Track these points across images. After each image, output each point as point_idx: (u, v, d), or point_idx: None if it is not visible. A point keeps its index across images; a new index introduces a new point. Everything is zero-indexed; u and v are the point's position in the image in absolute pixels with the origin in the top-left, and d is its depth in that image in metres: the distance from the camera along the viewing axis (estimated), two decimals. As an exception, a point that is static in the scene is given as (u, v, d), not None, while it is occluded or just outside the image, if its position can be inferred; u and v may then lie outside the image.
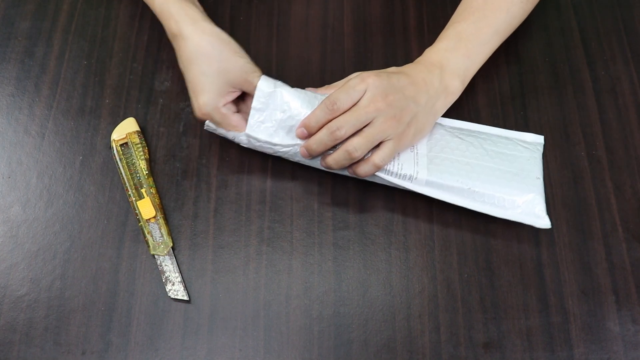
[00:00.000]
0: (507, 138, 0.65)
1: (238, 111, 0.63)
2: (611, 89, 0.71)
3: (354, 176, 0.61)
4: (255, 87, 0.60)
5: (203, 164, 0.66)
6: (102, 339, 0.58)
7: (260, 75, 0.60)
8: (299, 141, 0.60)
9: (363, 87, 0.57)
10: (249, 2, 0.75)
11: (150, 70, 0.71)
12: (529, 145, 0.65)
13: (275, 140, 0.61)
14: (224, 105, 0.60)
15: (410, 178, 0.60)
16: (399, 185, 0.61)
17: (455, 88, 0.63)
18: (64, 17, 0.74)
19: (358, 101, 0.57)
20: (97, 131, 0.68)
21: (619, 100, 0.70)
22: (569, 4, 0.75)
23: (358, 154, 0.57)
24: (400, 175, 0.60)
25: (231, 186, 0.65)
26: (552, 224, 0.63)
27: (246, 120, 0.61)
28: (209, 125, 0.62)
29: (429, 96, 0.60)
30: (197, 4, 0.64)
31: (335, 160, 0.59)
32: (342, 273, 0.61)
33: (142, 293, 0.60)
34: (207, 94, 0.59)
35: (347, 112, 0.57)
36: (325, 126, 0.58)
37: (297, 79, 0.71)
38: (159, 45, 0.73)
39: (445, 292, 0.60)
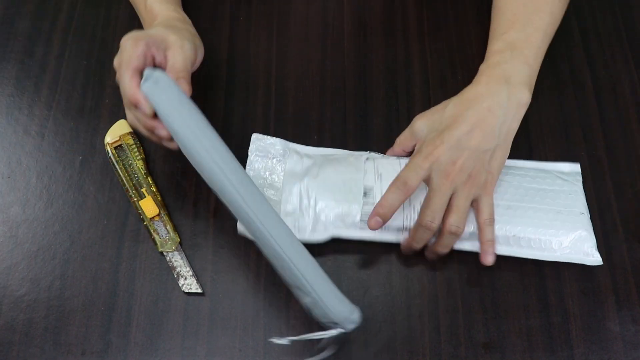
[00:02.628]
0: (544, 171, 0.63)
1: None
2: (611, 89, 0.71)
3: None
4: (167, 60, 0.57)
5: (203, 164, 0.66)
6: (102, 339, 0.58)
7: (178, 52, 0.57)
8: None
9: (428, 165, 0.56)
10: (249, 2, 0.75)
11: (150, 70, 0.71)
12: (567, 177, 0.63)
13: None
14: (137, 56, 0.55)
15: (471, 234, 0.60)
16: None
17: (526, 99, 0.59)
18: (64, 17, 0.74)
19: (427, 178, 0.57)
20: (96, 131, 0.68)
21: (619, 100, 0.70)
22: (569, 4, 0.75)
23: (461, 230, 0.57)
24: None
25: (231, 186, 0.65)
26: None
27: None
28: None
29: (500, 124, 0.57)
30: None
31: (443, 245, 0.59)
32: (342, 273, 0.61)
33: (142, 293, 0.60)
34: (134, 33, 0.56)
35: (427, 203, 0.57)
36: (417, 224, 0.58)
37: (297, 79, 0.71)
38: (158, 45, 0.72)
39: (445, 292, 0.60)
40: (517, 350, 0.58)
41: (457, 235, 0.57)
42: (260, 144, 0.64)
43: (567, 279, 0.61)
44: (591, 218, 0.63)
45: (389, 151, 0.65)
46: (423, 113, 0.62)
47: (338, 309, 0.52)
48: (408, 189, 0.57)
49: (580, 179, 0.64)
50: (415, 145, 0.61)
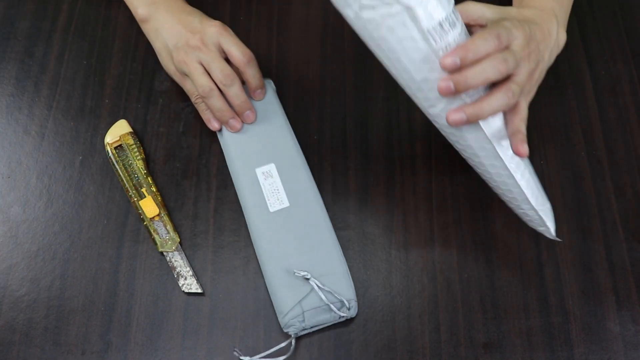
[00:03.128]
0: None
1: None
2: (611, 89, 0.70)
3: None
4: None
5: (203, 164, 0.66)
6: (102, 339, 0.58)
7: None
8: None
9: (517, 33, 0.52)
10: (249, 2, 0.75)
11: (150, 70, 0.71)
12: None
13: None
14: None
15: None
16: (493, 153, 0.55)
17: (564, 41, 0.60)
18: (64, 17, 0.74)
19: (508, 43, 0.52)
20: (97, 131, 0.68)
21: (619, 100, 0.70)
22: (569, 3, 0.75)
23: (515, 99, 0.52)
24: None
25: (231, 186, 0.65)
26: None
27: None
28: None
29: (551, 49, 0.58)
30: None
31: (493, 103, 0.51)
32: (342, 273, 0.61)
33: (142, 293, 0.60)
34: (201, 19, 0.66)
35: (506, 51, 0.51)
36: (491, 57, 0.50)
37: (297, 79, 0.71)
38: (158, 45, 0.72)
39: (445, 292, 0.60)
40: (517, 350, 0.58)
41: (510, 100, 0.52)
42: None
43: (567, 279, 0.61)
44: (591, 218, 0.63)
45: None
46: (477, 2, 0.55)
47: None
48: (500, 42, 0.51)
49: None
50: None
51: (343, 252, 0.61)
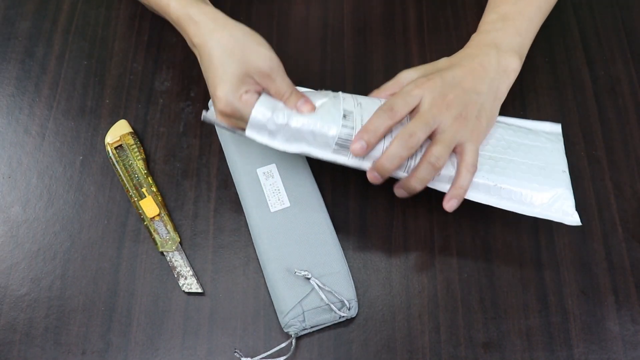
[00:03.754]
0: (526, 128, 0.63)
1: None
2: (611, 89, 0.71)
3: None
4: (277, 85, 0.56)
5: (203, 164, 0.66)
6: (102, 338, 0.58)
7: (282, 75, 0.56)
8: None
9: (419, 92, 0.55)
10: (249, 2, 0.75)
11: (150, 70, 0.71)
12: (549, 136, 0.63)
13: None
14: (246, 92, 0.55)
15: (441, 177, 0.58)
16: (432, 186, 0.59)
17: (515, 65, 0.60)
18: (64, 17, 0.75)
19: (417, 107, 0.55)
20: (97, 131, 0.68)
21: (618, 100, 0.70)
22: (569, 4, 0.75)
23: (441, 163, 0.55)
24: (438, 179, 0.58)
25: (231, 186, 0.65)
26: (551, 224, 0.63)
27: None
28: (206, 116, 0.57)
29: (490, 80, 0.58)
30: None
31: (418, 178, 0.56)
32: (342, 273, 0.61)
33: (142, 293, 0.60)
34: (226, 85, 0.54)
35: (413, 119, 0.55)
36: (396, 138, 0.54)
37: (297, 79, 0.71)
38: (159, 45, 0.73)
39: (445, 292, 0.60)
40: (516, 350, 0.58)
41: (436, 170, 0.55)
42: None
43: (567, 279, 0.61)
44: (591, 218, 0.63)
45: (371, 94, 0.61)
46: (410, 68, 0.61)
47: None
48: (394, 114, 0.54)
49: (562, 138, 0.63)
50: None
51: (343, 252, 0.61)
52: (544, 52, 0.72)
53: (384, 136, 0.55)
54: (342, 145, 0.55)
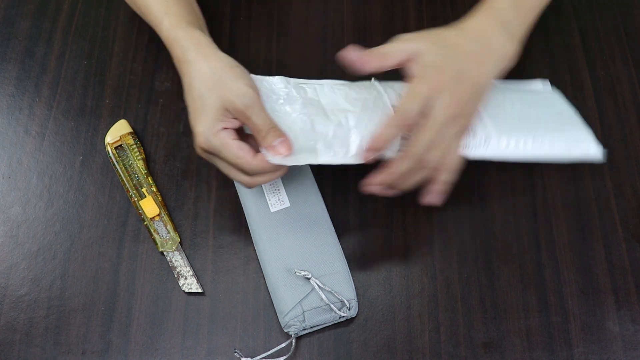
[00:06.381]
0: (524, 91, 0.65)
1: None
2: (611, 89, 0.71)
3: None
4: (253, 122, 0.54)
5: (203, 164, 0.66)
6: (102, 339, 0.58)
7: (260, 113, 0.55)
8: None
9: (430, 93, 0.53)
10: (249, 2, 0.75)
11: (150, 70, 0.71)
12: (546, 92, 0.65)
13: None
14: (224, 129, 0.54)
15: (486, 141, 0.58)
16: (474, 157, 0.58)
17: (515, 52, 0.57)
18: (65, 17, 0.75)
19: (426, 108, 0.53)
20: (97, 131, 0.68)
21: (618, 100, 0.70)
22: (569, 4, 0.75)
23: (442, 167, 0.55)
24: (474, 145, 0.58)
25: (231, 186, 0.65)
26: (551, 224, 0.63)
27: (251, 147, 0.54)
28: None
29: (492, 66, 0.56)
30: (206, 31, 0.62)
31: (412, 183, 0.56)
32: (342, 273, 0.61)
33: (142, 293, 0.60)
34: (204, 120, 0.54)
35: (424, 131, 0.53)
36: (406, 156, 0.54)
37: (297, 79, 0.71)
38: (159, 45, 0.72)
39: (445, 292, 0.60)
40: (516, 350, 0.58)
41: (436, 170, 0.55)
42: (262, 85, 0.59)
43: (566, 279, 0.61)
44: (591, 218, 0.64)
45: (362, 56, 0.57)
46: (413, 35, 0.57)
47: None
48: (406, 119, 0.53)
49: (557, 90, 0.65)
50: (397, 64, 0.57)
51: (343, 252, 0.61)
52: (543, 52, 0.72)
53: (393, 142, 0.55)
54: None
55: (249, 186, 0.56)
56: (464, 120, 0.55)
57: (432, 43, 0.55)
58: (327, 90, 0.60)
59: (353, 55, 0.56)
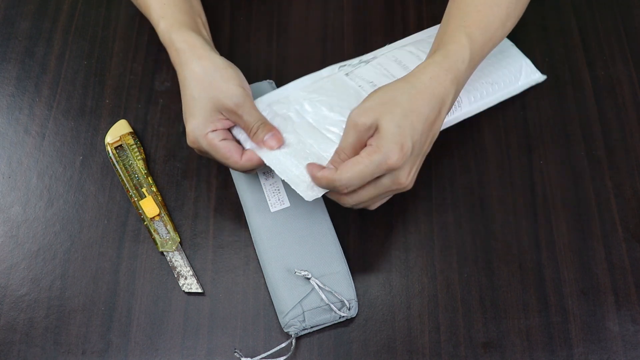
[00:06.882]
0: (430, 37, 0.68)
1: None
2: (611, 89, 0.71)
3: None
4: (244, 120, 0.56)
5: (203, 164, 0.66)
6: (102, 338, 0.58)
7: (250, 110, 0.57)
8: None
9: (385, 169, 0.52)
10: (249, 2, 0.76)
11: (150, 70, 0.71)
12: None
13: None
14: (213, 131, 0.56)
15: (459, 105, 0.65)
16: (451, 122, 0.64)
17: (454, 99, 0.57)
18: (65, 17, 0.75)
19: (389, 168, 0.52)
20: (97, 131, 0.68)
21: (618, 100, 0.70)
22: (569, 4, 0.75)
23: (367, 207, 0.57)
24: (450, 113, 0.64)
25: (231, 186, 0.65)
26: (551, 224, 0.63)
27: (238, 149, 0.57)
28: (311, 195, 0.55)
29: (443, 116, 0.56)
30: (203, 32, 0.62)
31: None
32: (342, 273, 0.61)
33: (142, 293, 0.60)
34: (194, 121, 0.56)
35: (382, 192, 0.54)
36: (339, 195, 0.54)
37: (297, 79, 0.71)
38: (159, 45, 0.72)
39: (445, 292, 0.60)
40: (516, 350, 0.58)
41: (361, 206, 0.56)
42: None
43: (566, 279, 0.61)
44: (591, 218, 0.64)
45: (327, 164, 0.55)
46: (368, 105, 0.53)
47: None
48: (359, 182, 0.52)
49: None
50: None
51: (343, 252, 0.61)
52: (544, 52, 0.72)
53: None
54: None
55: (246, 173, 0.61)
56: (420, 161, 0.56)
57: (387, 113, 0.52)
58: (309, 106, 0.60)
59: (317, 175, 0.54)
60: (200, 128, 0.56)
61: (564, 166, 0.66)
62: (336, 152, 0.54)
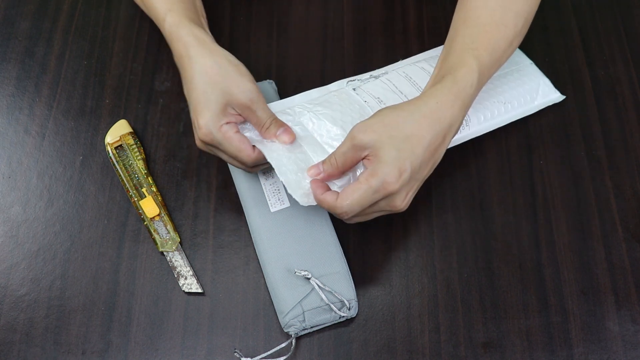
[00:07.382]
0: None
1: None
2: (611, 89, 0.71)
3: None
4: (257, 116, 0.57)
5: (203, 164, 0.66)
6: (102, 339, 0.58)
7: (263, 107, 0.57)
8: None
9: (382, 194, 0.52)
10: (249, 2, 0.76)
11: (150, 70, 0.71)
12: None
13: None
14: (227, 123, 0.56)
15: (467, 124, 0.64)
16: (458, 140, 0.64)
17: (458, 123, 0.56)
18: (65, 17, 0.75)
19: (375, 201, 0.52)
20: (97, 131, 0.68)
21: (618, 100, 0.70)
22: (569, 4, 0.75)
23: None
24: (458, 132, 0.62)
25: (231, 186, 0.65)
26: (551, 224, 0.63)
27: (249, 142, 0.57)
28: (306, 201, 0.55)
29: (448, 141, 0.55)
30: (208, 30, 0.62)
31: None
32: (342, 273, 0.61)
33: (142, 293, 0.60)
34: (207, 113, 0.55)
35: (379, 210, 0.54)
36: (336, 213, 0.53)
37: (297, 79, 0.71)
38: (159, 45, 0.73)
39: (445, 292, 0.60)
40: (516, 350, 0.58)
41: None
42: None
43: (566, 279, 0.61)
44: (591, 218, 0.64)
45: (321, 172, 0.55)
46: (369, 124, 0.53)
47: None
48: (359, 206, 0.52)
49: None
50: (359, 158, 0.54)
51: (343, 252, 0.61)
52: (544, 52, 0.72)
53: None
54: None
55: (248, 171, 0.60)
56: (418, 185, 0.55)
57: (387, 136, 0.51)
58: (313, 119, 0.60)
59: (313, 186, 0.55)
60: (215, 120, 0.55)
61: (564, 166, 0.66)
62: (329, 155, 0.55)
